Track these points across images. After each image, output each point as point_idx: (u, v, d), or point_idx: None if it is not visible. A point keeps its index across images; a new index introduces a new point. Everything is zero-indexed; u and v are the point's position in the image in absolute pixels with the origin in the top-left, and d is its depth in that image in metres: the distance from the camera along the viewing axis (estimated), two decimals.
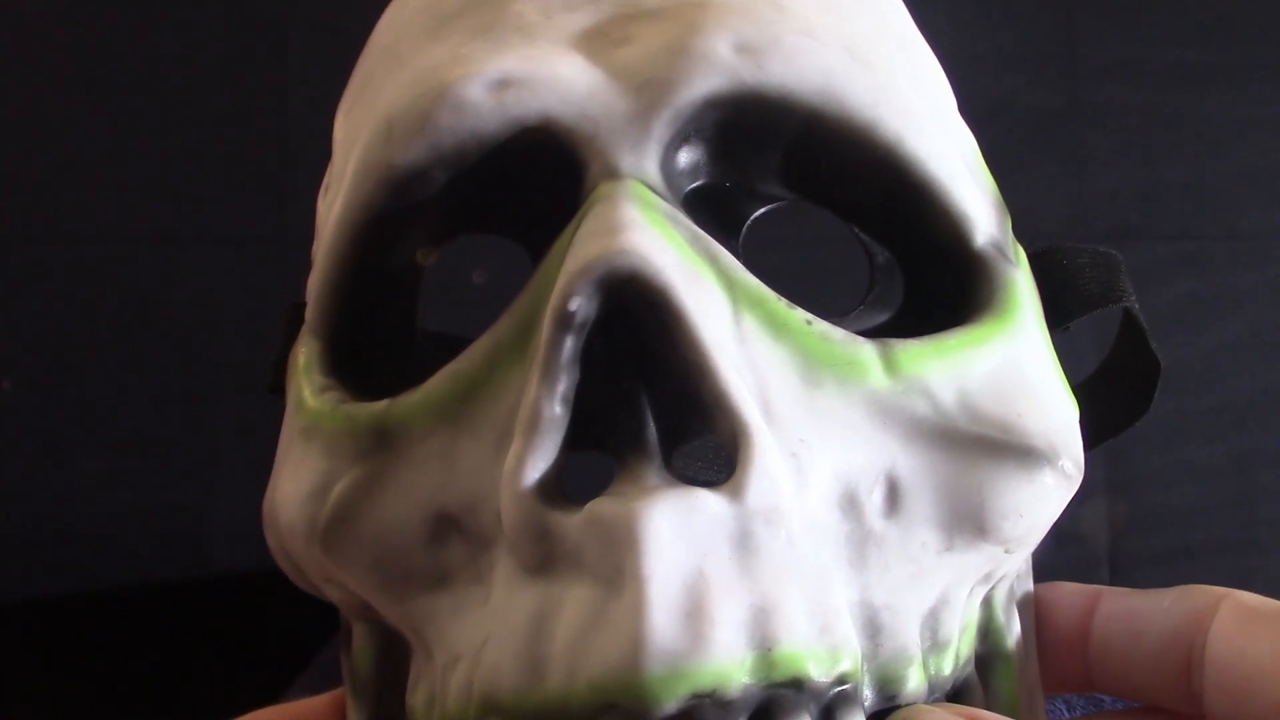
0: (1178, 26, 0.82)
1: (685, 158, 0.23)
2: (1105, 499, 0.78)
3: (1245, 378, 0.81)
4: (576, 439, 0.20)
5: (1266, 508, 0.79)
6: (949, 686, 0.22)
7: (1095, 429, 0.24)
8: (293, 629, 0.63)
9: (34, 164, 0.76)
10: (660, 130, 0.22)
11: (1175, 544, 0.78)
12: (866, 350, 0.21)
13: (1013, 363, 0.23)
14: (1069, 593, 0.25)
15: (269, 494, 0.24)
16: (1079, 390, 0.24)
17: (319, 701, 0.26)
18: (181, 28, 0.77)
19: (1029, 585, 0.25)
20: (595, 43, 0.23)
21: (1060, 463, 0.22)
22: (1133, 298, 0.26)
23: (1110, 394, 0.26)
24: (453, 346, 0.23)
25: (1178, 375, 0.80)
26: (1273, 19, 0.82)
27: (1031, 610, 0.25)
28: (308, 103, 0.75)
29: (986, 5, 0.81)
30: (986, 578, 0.23)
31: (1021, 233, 0.25)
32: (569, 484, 0.20)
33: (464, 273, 0.68)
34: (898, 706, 0.21)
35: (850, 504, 0.21)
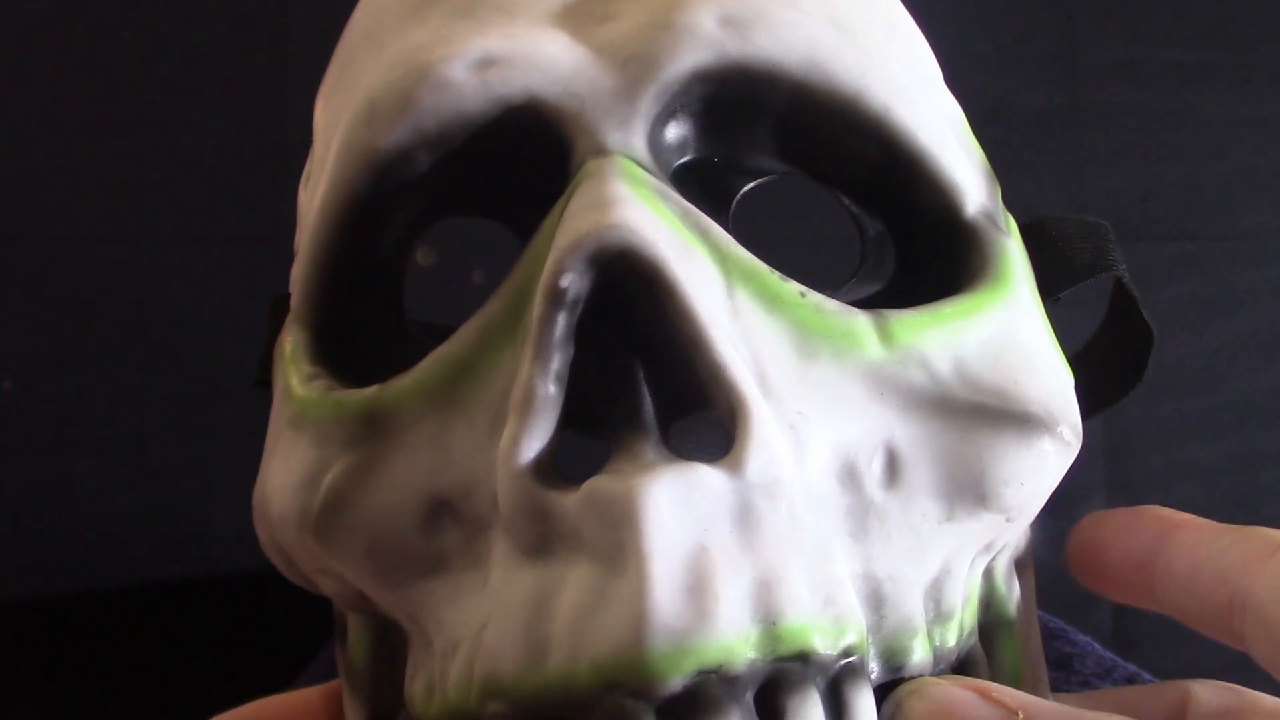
0: (1178, 26, 0.82)
1: (672, 133, 0.23)
2: (1105, 499, 0.78)
3: (1245, 378, 0.81)
4: (571, 418, 0.20)
5: (1266, 508, 0.79)
6: (954, 658, 0.22)
7: (1090, 400, 0.24)
8: (292, 629, 0.63)
9: (34, 164, 0.76)
10: (647, 106, 0.22)
11: None
12: (861, 321, 0.21)
13: (1008, 330, 0.22)
14: (1153, 517, 0.25)
15: (259, 486, 0.24)
16: (1073, 361, 0.24)
17: (314, 692, 0.26)
18: (181, 28, 0.77)
19: (1028, 555, 0.25)
20: (578, 20, 0.23)
21: (1059, 429, 0.22)
22: (1123, 267, 0.25)
23: (1103, 364, 0.26)
24: (442, 334, 0.22)
25: (1178, 375, 0.80)
26: (1273, 19, 0.83)
27: (1031, 580, 0.25)
28: (308, 103, 0.75)
29: (986, 5, 0.81)
30: (987, 548, 0.23)
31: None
32: (564, 466, 0.20)
33: (464, 273, 0.68)
34: (903, 679, 0.21)
35: (850, 476, 0.21)
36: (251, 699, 0.27)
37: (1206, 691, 0.24)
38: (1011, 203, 0.25)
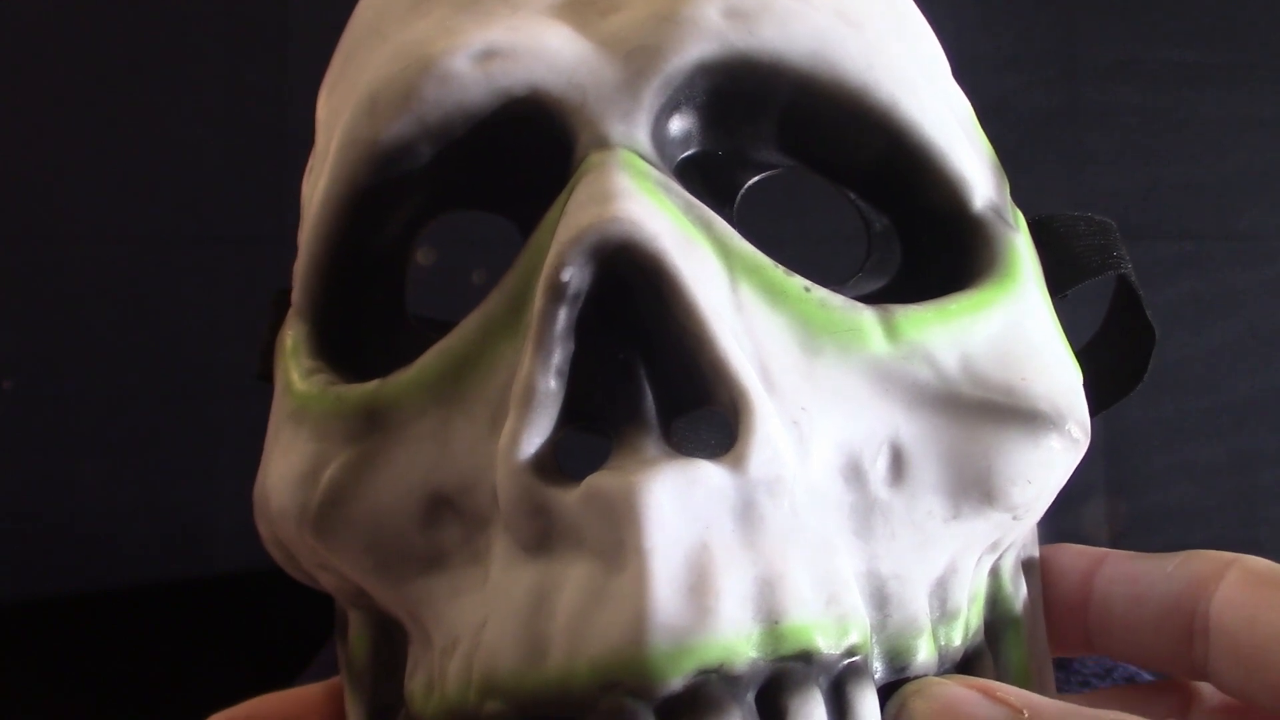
0: (1178, 26, 0.82)
1: (676, 126, 0.22)
2: (1105, 499, 0.78)
3: (1245, 378, 0.80)
4: (572, 414, 0.20)
5: (1266, 508, 0.79)
6: (959, 657, 0.22)
7: (1090, 399, 0.24)
8: (293, 628, 0.62)
9: (34, 164, 0.76)
10: (650, 98, 0.21)
11: (1175, 544, 0.77)
12: (867, 316, 0.21)
13: (1015, 326, 0.22)
14: (1074, 554, 0.24)
15: (259, 480, 0.24)
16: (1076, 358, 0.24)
17: (315, 689, 0.26)
18: (181, 28, 0.77)
19: (1035, 553, 0.25)
20: (581, 12, 0.23)
21: (1067, 426, 0.22)
22: (1128, 264, 0.25)
23: (1104, 363, 0.26)
24: (443, 328, 0.22)
25: (1178, 375, 0.80)
26: (1273, 19, 0.82)
27: (1039, 579, 0.25)
28: (308, 102, 0.75)
29: (986, 5, 0.81)
30: (994, 546, 0.23)
31: None
32: (565, 464, 0.20)
33: (464, 273, 0.68)
34: (908, 679, 0.20)
35: (854, 473, 0.20)
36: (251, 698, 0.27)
37: (1210, 689, 0.23)
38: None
